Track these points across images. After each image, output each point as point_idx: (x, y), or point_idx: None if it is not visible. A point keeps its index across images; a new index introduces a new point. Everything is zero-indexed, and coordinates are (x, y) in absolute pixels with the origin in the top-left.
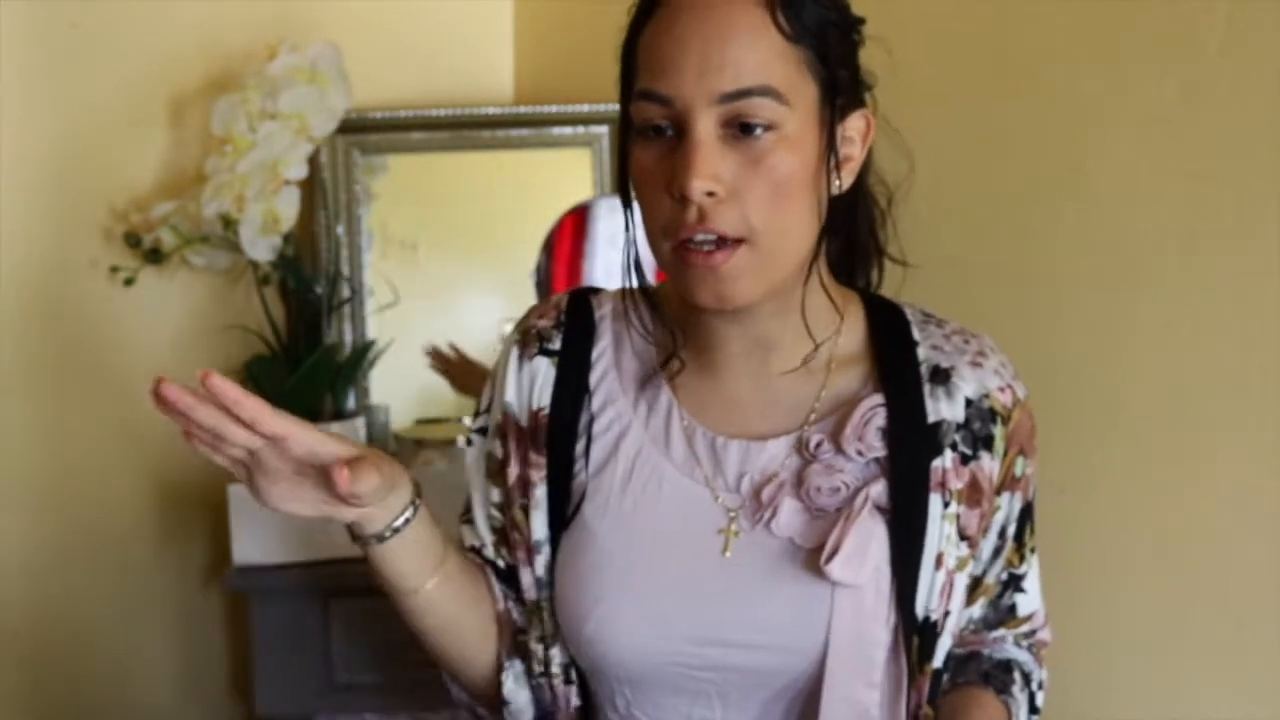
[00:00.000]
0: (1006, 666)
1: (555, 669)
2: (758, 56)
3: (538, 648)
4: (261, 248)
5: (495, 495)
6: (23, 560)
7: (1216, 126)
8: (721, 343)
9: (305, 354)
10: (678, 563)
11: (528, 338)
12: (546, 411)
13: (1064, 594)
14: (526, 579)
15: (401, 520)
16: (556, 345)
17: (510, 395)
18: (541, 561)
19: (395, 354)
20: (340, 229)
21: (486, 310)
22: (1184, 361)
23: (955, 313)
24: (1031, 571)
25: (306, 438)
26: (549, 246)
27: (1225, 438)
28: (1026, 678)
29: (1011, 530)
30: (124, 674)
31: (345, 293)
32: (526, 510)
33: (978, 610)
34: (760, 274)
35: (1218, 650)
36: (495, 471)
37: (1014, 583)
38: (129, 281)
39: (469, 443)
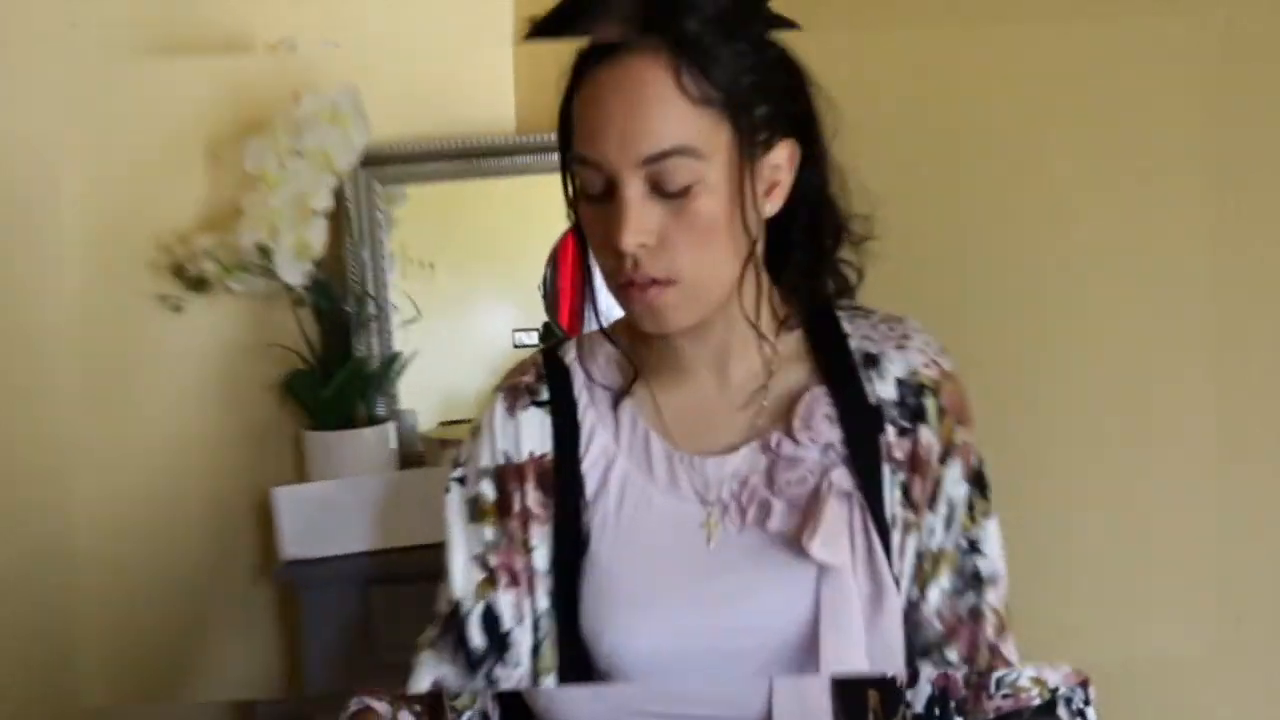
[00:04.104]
0: (1050, 709)
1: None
2: (672, 120)
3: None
4: (294, 272)
5: (489, 534)
6: (94, 558)
7: (1219, 125)
8: (686, 358)
9: (338, 367)
10: (678, 574)
11: (516, 393)
12: (550, 456)
13: (1064, 597)
14: (525, 607)
15: None
16: (545, 396)
17: (505, 444)
18: (543, 592)
19: (419, 363)
20: (365, 253)
21: (499, 321)
22: (1184, 363)
23: (935, 304)
24: (987, 536)
25: None
26: (554, 261)
27: (1226, 440)
28: (1068, 702)
29: (961, 496)
30: (186, 658)
31: (371, 310)
32: (529, 546)
33: (947, 580)
34: (691, 306)
35: (1218, 651)
36: (489, 511)
37: (972, 547)
38: (177, 308)
39: (447, 490)
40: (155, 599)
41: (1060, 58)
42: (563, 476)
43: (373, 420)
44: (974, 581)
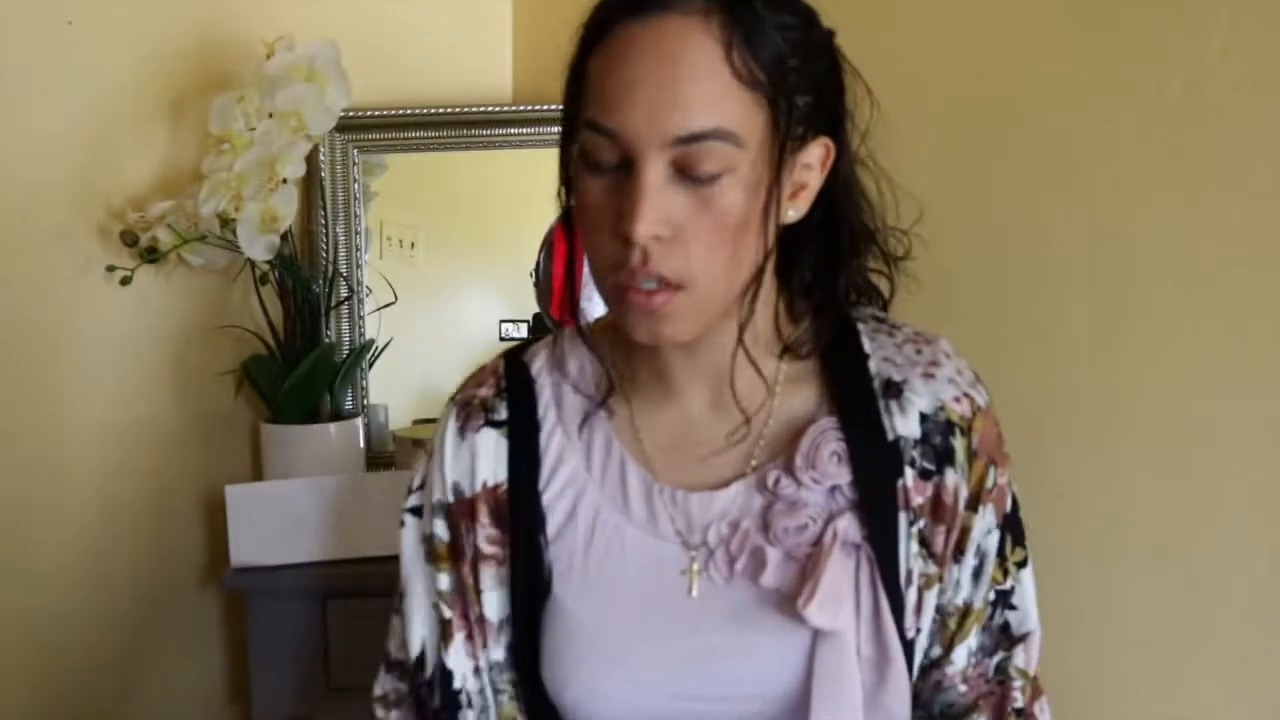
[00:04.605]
0: None
1: None
2: (713, 97)
3: None
4: (259, 247)
5: (443, 582)
6: (21, 561)
7: (1220, 126)
8: (676, 374)
9: (303, 354)
10: (653, 626)
11: (470, 409)
12: (505, 487)
13: (1064, 599)
14: (481, 659)
15: None
16: (503, 415)
17: (456, 473)
18: (502, 644)
19: (394, 354)
20: (339, 228)
21: (485, 310)
22: (1184, 363)
23: (955, 313)
24: (1020, 588)
25: None
26: (548, 246)
27: (1226, 440)
28: None
29: (991, 546)
30: (122, 674)
31: (343, 292)
32: (479, 591)
33: (974, 639)
34: (696, 316)
35: (1218, 652)
36: (443, 555)
37: (1002, 600)
38: (125, 281)
39: (402, 524)
40: (86, 606)
41: (1103, 64)
42: (520, 510)
43: (339, 415)
44: (1003, 639)
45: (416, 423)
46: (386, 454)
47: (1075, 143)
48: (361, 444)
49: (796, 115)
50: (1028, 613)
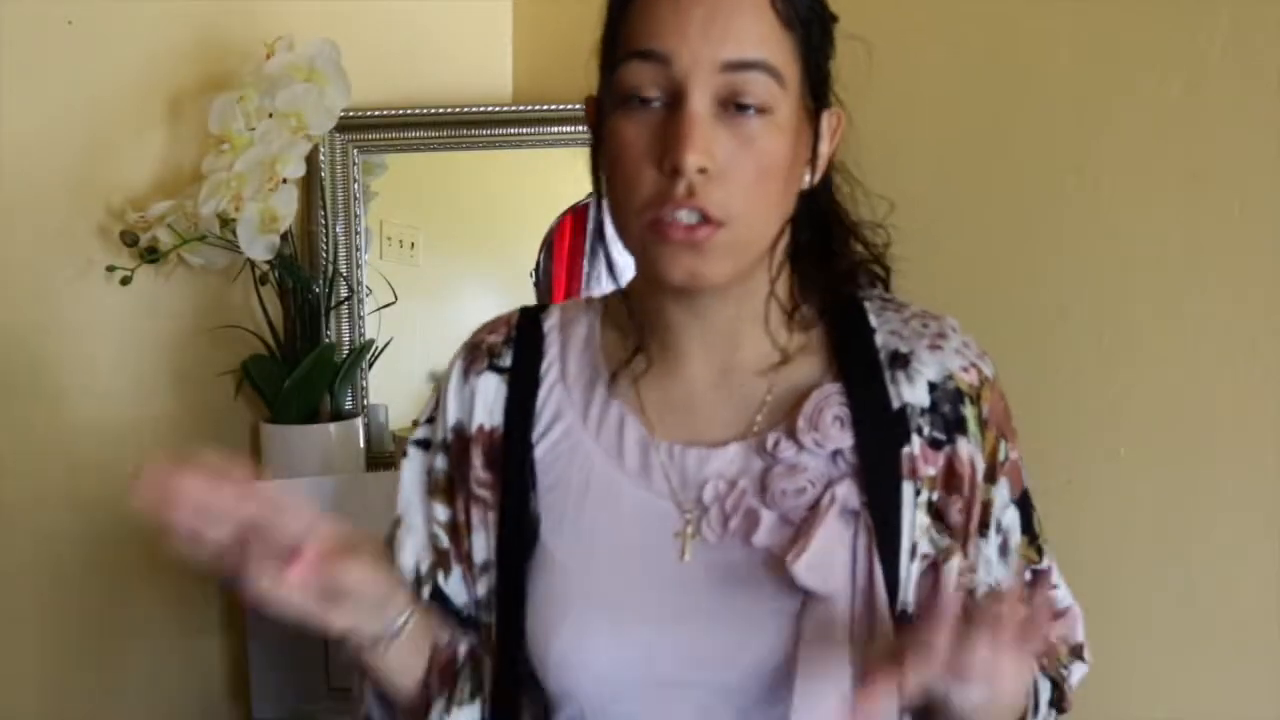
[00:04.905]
0: None
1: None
2: (760, 32)
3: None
4: (259, 247)
5: (441, 514)
6: (21, 561)
7: (1219, 126)
8: (684, 338)
9: (303, 354)
10: (643, 581)
11: (477, 352)
12: (500, 431)
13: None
14: (476, 589)
15: (398, 625)
16: (507, 362)
17: (459, 413)
18: (485, 585)
19: (393, 354)
20: (339, 228)
21: (485, 310)
22: (1184, 363)
23: (957, 312)
24: (1055, 568)
25: (300, 517)
26: (548, 245)
27: (1227, 438)
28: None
29: (1015, 522)
30: (122, 673)
31: (343, 292)
32: (470, 529)
33: None
34: (734, 256)
35: (1218, 652)
36: (442, 488)
37: (1039, 580)
38: (125, 281)
39: (404, 454)
40: (86, 606)
41: (1103, 64)
42: (512, 457)
43: (339, 415)
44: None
45: (416, 423)
46: (386, 454)
47: (1075, 143)
48: (361, 444)
49: (824, 75)
50: (1065, 591)
